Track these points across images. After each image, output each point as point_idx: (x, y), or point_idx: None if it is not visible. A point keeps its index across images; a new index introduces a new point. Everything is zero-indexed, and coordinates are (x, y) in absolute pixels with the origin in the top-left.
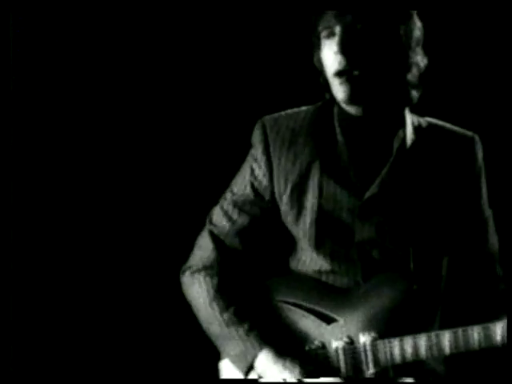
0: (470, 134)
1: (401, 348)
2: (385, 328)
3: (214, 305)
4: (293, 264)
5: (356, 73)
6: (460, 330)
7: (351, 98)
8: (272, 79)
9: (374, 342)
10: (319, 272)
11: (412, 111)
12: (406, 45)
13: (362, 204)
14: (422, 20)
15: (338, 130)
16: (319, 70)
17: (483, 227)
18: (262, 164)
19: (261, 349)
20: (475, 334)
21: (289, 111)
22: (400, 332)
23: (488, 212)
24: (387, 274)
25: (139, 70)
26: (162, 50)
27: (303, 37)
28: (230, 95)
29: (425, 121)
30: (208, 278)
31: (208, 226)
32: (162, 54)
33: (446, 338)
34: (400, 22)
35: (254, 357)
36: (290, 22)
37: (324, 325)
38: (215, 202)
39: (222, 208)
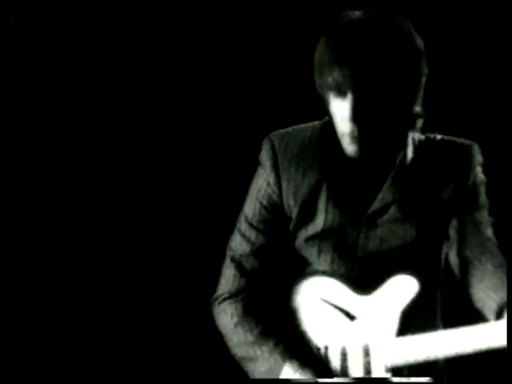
0: (468, 142)
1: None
2: (400, 328)
3: (239, 329)
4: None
5: (370, 131)
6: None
7: (360, 153)
8: (277, 95)
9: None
10: None
11: None
12: (420, 82)
13: (366, 219)
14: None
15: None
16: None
17: (481, 237)
18: (271, 180)
19: (284, 362)
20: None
21: (295, 127)
22: (413, 331)
23: (486, 219)
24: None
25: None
26: (172, 63)
27: (309, 53)
28: (235, 113)
29: (425, 136)
30: (233, 305)
31: (228, 253)
32: (170, 68)
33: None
34: (413, 63)
35: (278, 372)
36: (296, 33)
37: (347, 321)
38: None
39: (239, 231)
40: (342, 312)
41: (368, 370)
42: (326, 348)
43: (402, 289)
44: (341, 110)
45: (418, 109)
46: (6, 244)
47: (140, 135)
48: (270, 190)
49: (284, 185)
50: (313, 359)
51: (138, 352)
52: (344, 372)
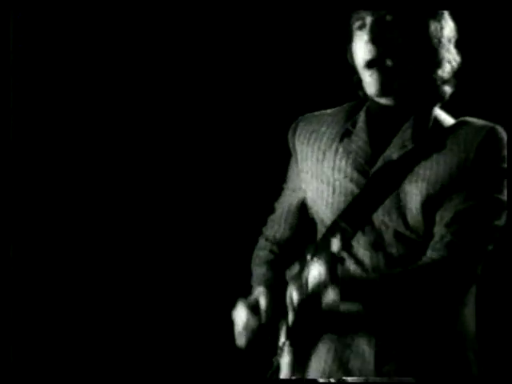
0: (491, 124)
1: None
2: None
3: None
4: None
5: (388, 63)
6: None
7: (382, 90)
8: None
9: None
10: None
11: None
12: (436, 40)
13: (368, 180)
14: (457, 21)
15: (362, 117)
16: (352, 67)
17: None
18: (293, 155)
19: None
20: None
21: (327, 110)
22: None
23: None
24: None
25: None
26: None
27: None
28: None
29: (453, 119)
30: (267, 251)
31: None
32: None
33: None
34: (431, 19)
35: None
36: (327, 25)
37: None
38: None
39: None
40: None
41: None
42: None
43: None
44: (362, 38)
45: (442, 74)
46: (5, 244)
47: (143, 135)
48: (293, 166)
49: (299, 159)
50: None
51: (139, 352)
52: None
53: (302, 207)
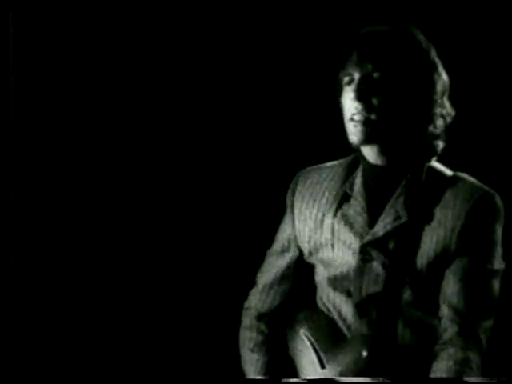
0: (485, 189)
1: None
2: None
3: (252, 354)
4: (317, 301)
5: (372, 117)
6: None
7: (365, 140)
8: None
9: None
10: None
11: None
12: (427, 96)
13: (363, 245)
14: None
15: (359, 179)
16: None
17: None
18: (289, 214)
19: None
20: None
21: (327, 164)
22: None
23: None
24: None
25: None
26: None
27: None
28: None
29: (451, 172)
30: (255, 330)
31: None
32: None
33: None
34: (422, 74)
35: None
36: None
37: (318, 369)
38: None
39: (267, 261)
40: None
41: None
42: None
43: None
44: (349, 94)
45: (434, 130)
46: (6, 244)
47: (143, 135)
48: (289, 222)
49: (296, 216)
50: None
51: (139, 352)
52: None
53: (295, 269)
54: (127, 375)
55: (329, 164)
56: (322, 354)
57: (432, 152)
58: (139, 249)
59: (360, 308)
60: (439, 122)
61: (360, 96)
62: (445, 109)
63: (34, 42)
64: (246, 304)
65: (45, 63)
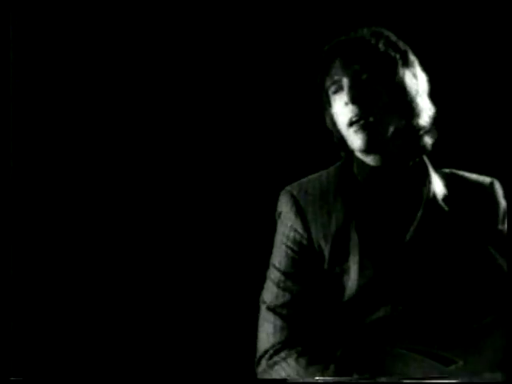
0: (488, 180)
1: None
2: None
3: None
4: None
5: (371, 119)
6: None
7: (369, 145)
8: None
9: None
10: None
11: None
12: (414, 91)
13: (404, 246)
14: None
15: (364, 186)
16: (331, 130)
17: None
18: (298, 226)
19: None
20: None
21: (309, 176)
22: None
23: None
24: None
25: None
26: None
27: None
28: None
29: (443, 171)
30: (285, 362)
31: (263, 306)
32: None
33: None
34: (406, 71)
35: None
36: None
37: None
38: None
39: (273, 283)
40: None
41: None
42: None
43: None
44: (341, 101)
45: (422, 123)
46: (5, 244)
47: (143, 136)
48: (298, 236)
49: (312, 227)
50: None
51: (139, 352)
52: None
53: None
54: (127, 375)
55: (316, 175)
56: None
57: (422, 148)
58: (139, 249)
59: None
60: (425, 117)
61: (354, 99)
62: (427, 104)
63: (34, 42)
64: (265, 296)
65: (45, 63)
